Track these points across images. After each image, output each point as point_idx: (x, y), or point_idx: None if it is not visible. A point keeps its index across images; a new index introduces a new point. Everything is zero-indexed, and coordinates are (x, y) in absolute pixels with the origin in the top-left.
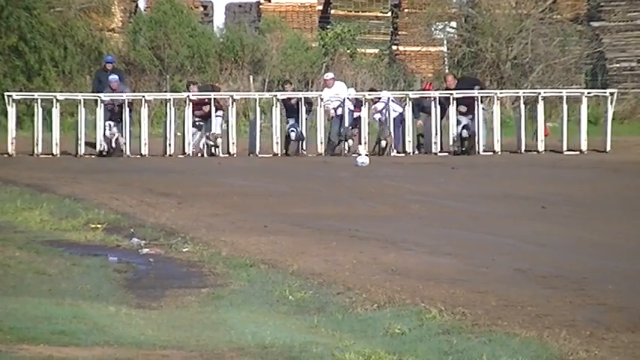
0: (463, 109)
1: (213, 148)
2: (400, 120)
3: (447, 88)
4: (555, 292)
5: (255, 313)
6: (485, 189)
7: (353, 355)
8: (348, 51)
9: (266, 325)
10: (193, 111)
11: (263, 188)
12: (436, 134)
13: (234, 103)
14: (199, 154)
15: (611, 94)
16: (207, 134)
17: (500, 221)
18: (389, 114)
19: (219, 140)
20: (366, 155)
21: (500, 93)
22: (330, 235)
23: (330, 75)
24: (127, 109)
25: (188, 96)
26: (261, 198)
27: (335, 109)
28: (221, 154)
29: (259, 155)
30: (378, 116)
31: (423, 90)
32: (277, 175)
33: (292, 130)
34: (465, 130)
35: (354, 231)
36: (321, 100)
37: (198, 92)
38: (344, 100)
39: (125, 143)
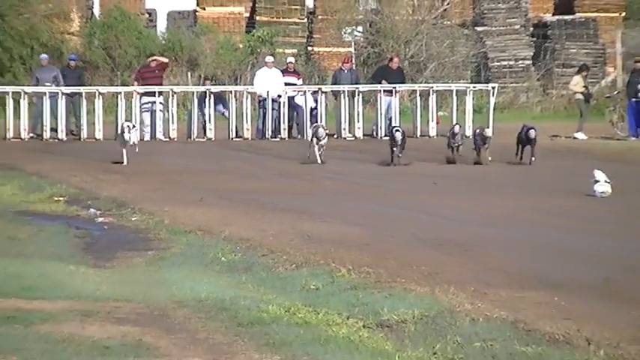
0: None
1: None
2: (312, 112)
3: (388, 68)
4: (446, 254)
5: (192, 272)
6: (389, 169)
7: (275, 307)
8: (269, 51)
9: (202, 282)
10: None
11: (198, 167)
12: (345, 120)
13: (175, 95)
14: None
15: (493, 87)
16: (314, 130)
17: (402, 195)
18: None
19: (323, 141)
20: (607, 182)
21: (399, 87)
22: (255, 207)
23: (271, 58)
24: (84, 100)
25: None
26: (196, 175)
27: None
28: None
29: (195, 140)
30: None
31: (343, 64)
32: (209, 157)
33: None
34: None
35: (276, 204)
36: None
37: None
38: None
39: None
